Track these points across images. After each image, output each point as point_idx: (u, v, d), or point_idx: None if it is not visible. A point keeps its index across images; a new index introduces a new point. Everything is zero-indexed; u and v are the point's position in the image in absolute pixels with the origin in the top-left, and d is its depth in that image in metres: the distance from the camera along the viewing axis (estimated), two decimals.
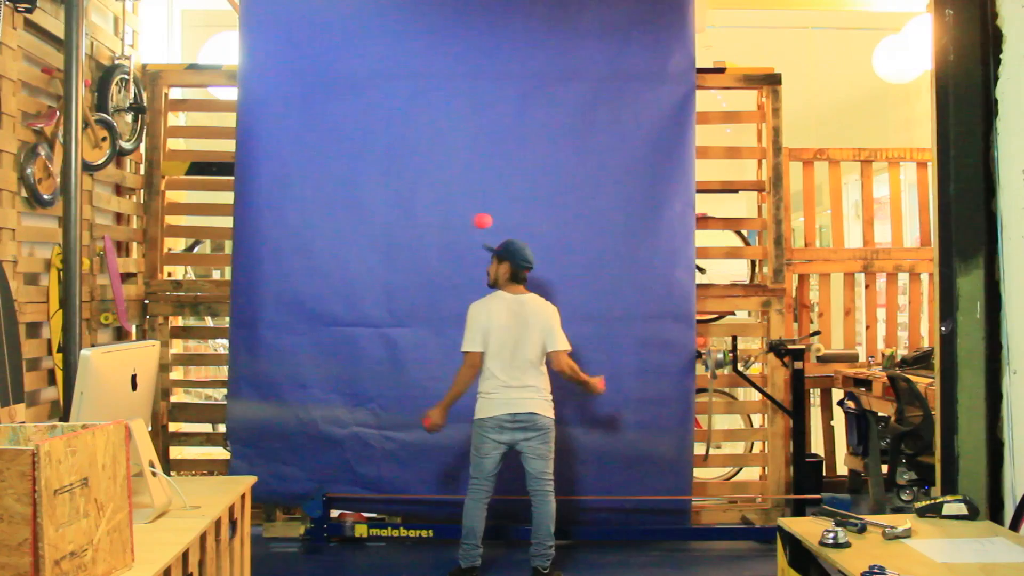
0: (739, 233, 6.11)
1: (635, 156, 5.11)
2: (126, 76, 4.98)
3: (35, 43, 4.27)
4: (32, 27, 4.23)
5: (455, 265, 4.97)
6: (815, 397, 6.24)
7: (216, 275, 7.52)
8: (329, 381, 5.02)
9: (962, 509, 2.98)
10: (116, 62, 4.96)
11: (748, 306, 5.58)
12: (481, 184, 5.08)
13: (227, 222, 5.21)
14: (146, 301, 5.39)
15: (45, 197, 4.20)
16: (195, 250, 6.17)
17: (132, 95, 5.08)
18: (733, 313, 5.96)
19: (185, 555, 2.51)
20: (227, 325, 5.21)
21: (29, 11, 4.04)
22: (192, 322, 6.21)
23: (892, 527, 2.75)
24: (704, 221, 5.47)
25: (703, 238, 5.33)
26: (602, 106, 5.13)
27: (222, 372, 5.81)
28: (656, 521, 5.06)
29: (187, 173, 5.56)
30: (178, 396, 5.74)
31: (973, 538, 2.77)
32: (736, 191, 6.05)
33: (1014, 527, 2.99)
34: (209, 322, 6.42)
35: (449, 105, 5.11)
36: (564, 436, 4.89)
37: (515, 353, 4.34)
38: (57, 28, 4.28)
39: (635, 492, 4.98)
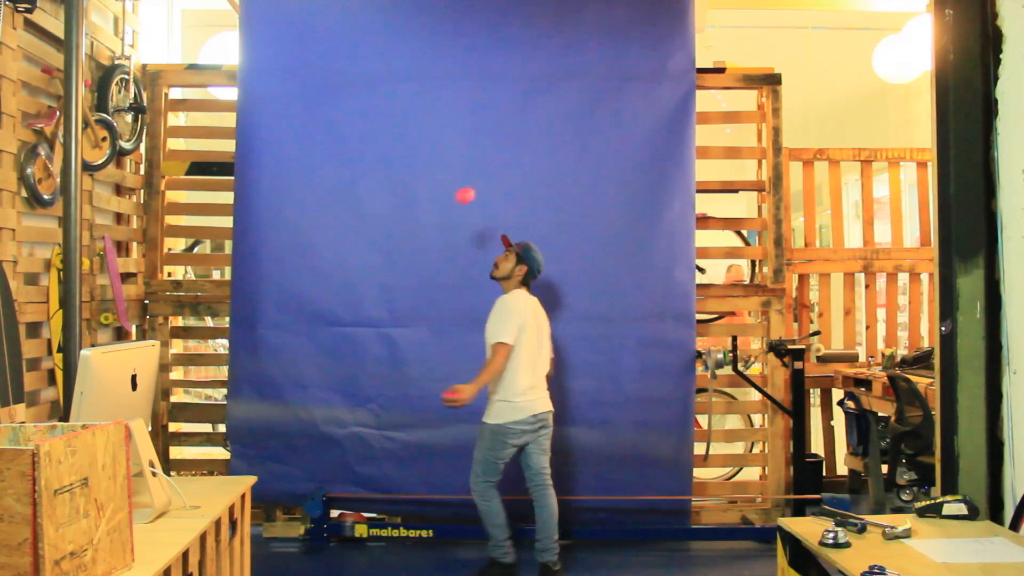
0: (739, 233, 6.11)
1: (635, 156, 5.11)
2: (126, 76, 4.98)
3: (35, 43, 4.26)
4: (32, 27, 4.23)
5: (455, 265, 4.97)
6: (815, 397, 6.24)
7: (216, 275, 7.53)
8: (329, 381, 5.02)
9: (962, 509, 2.98)
10: (116, 62, 4.96)
11: (748, 306, 5.58)
12: (481, 184, 5.06)
13: (227, 222, 5.21)
14: (146, 301, 5.39)
15: (45, 197, 4.20)
16: (195, 250, 6.17)
17: (132, 95, 5.08)
18: (733, 313, 5.96)
19: (185, 555, 2.52)
20: (227, 325, 5.21)
21: (29, 11, 4.04)
22: (192, 322, 6.21)
23: (892, 527, 2.75)
24: (704, 221, 5.46)
25: (703, 238, 5.33)
26: (602, 106, 5.13)
27: (222, 372, 5.81)
28: (656, 521, 5.06)
29: (187, 173, 5.55)
30: (178, 396, 5.74)
31: (973, 538, 2.77)
32: (736, 191, 6.05)
33: (1014, 527, 2.99)
34: (209, 322, 6.42)
35: (449, 105, 5.10)
36: (564, 436, 4.89)
37: (538, 354, 4.43)
38: (57, 28, 4.28)
39: (635, 492, 4.97)
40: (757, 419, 5.90)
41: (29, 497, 1.89)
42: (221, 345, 6.84)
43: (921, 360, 5.47)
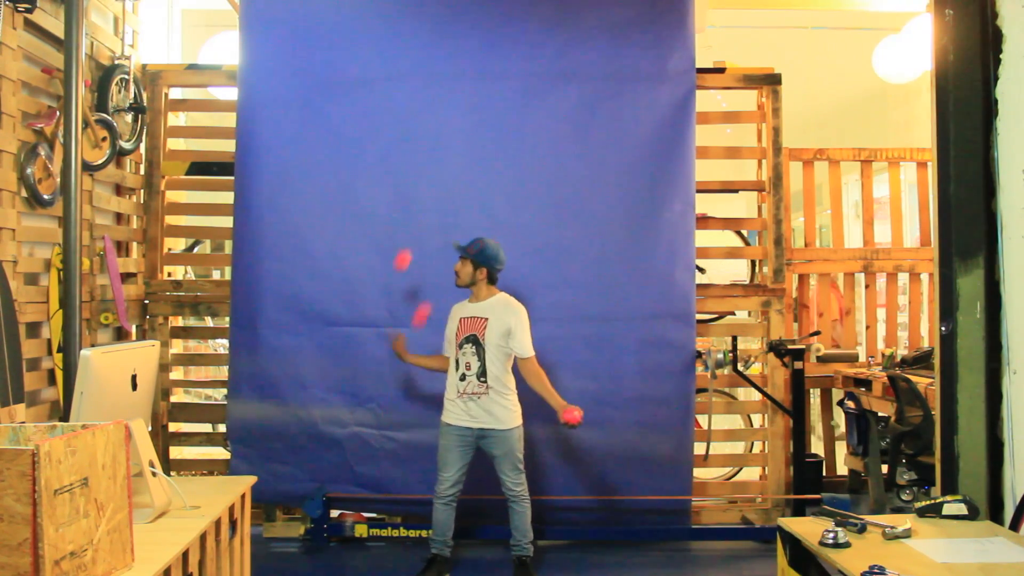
0: (739, 233, 6.11)
1: (635, 156, 5.10)
2: (126, 76, 4.98)
3: (35, 43, 4.26)
4: (32, 27, 4.23)
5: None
6: (815, 397, 6.24)
7: (216, 275, 7.53)
8: (329, 381, 5.02)
9: (962, 509, 2.98)
10: (116, 62, 4.96)
11: (748, 306, 5.58)
12: (481, 184, 5.08)
13: (227, 222, 5.21)
14: (146, 301, 5.39)
15: (45, 197, 4.20)
16: (195, 250, 6.17)
17: (132, 95, 5.08)
18: (733, 313, 5.96)
19: (185, 555, 2.52)
20: (227, 325, 5.21)
21: (29, 11, 4.04)
22: (192, 322, 6.21)
23: (892, 527, 2.75)
24: (704, 221, 5.47)
25: (703, 238, 5.33)
26: (602, 106, 5.12)
27: (222, 372, 5.81)
28: (656, 521, 5.05)
29: (187, 173, 5.56)
30: (178, 396, 5.74)
31: (973, 538, 2.77)
32: (736, 191, 6.05)
33: (1014, 527, 2.99)
34: (209, 322, 6.42)
35: (449, 105, 5.10)
36: (564, 436, 4.90)
37: None
38: (57, 28, 4.28)
39: (635, 492, 4.97)
40: (757, 419, 5.90)
41: (29, 497, 1.89)
42: (221, 345, 6.84)
43: (921, 360, 5.47)
